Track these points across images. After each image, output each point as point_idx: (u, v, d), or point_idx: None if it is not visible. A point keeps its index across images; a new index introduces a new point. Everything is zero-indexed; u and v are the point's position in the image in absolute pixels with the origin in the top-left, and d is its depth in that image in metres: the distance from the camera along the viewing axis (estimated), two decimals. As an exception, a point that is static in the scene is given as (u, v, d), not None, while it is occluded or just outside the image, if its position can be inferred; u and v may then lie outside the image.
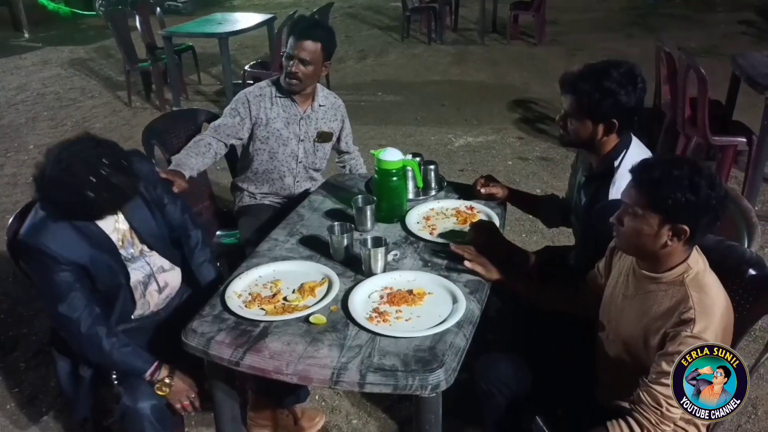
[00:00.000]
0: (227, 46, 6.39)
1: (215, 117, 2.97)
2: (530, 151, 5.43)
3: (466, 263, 2.05)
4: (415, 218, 2.44)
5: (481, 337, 1.92)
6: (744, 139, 4.13)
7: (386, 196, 2.41)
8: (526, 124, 6.07)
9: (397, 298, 1.93)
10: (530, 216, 3.03)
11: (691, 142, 4.27)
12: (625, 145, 2.08)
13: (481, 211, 2.49)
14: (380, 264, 2.06)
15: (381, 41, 9.69)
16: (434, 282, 2.02)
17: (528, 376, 2.02)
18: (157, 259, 2.19)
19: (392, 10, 11.38)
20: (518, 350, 2.14)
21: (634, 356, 1.74)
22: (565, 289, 2.09)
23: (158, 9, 7.50)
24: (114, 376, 2.11)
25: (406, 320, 1.85)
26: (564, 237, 3.61)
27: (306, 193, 2.91)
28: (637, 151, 2.06)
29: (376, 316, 1.85)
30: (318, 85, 2.92)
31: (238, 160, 3.11)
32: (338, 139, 3.06)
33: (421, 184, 2.61)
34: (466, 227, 2.34)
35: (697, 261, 1.66)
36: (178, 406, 2.04)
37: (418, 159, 2.63)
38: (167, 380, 2.01)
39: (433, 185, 2.69)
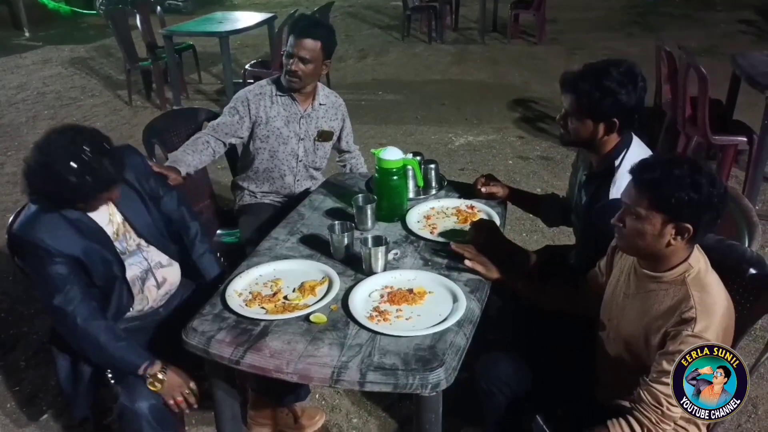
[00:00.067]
0: (228, 45, 6.39)
1: (216, 116, 2.97)
2: (531, 150, 5.43)
3: (467, 262, 2.05)
4: (415, 217, 2.44)
5: (482, 336, 1.91)
6: (744, 139, 4.13)
7: (387, 195, 2.41)
8: (527, 124, 6.07)
9: (397, 297, 1.93)
10: (531, 215, 3.03)
11: (692, 142, 4.27)
12: (625, 144, 2.08)
13: (482, 210, 2.49)
14: (381, 263, 2.05)
15: (381, 40, 9.70)
16: (435, 281, 2.02)
17: (528, 375, 2.02)
18: (154, 255, 2.20)
19: (392, 9, 11.38)
20: (519, 349, 2.13)
21: (634, 355, 1.74)
22: (565, 289, 2.09)
23: (158, 8, 7.51)
24: (110, 375, 2.11)
25: (407, 319, 1.85)
26: (564, 236, 3.61)
27: (306, 192, 2.91)
28: (638, 151, 2.06)
29: (376, 315, 1.85)
30: (319, 84, 2.91)
31: (238, 159, 3.11)
32: (339, 138, 3.06)
33: (421, 183, 2.61)
34: (467, 226, 2.34)
35: (699, 260, 1.66)
36: (171, 402, 2.01)
37: (418, 158, 2.63)
38: (159, 375, 1.98)
39: (433, 184, 2.69)
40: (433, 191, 2.67)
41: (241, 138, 2.89)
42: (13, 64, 8.68)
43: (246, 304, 1.93)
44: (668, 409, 1.55)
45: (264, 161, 2.91)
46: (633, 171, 1.65)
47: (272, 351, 1.73)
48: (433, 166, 2.69)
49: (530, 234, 4.04)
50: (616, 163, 2.05)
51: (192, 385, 2.03)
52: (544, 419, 1.93)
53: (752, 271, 1.78)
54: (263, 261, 2.16)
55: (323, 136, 2.95)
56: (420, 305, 1.91)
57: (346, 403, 2.74)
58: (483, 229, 2.25)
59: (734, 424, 2.58)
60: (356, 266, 2.10)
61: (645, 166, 1.63)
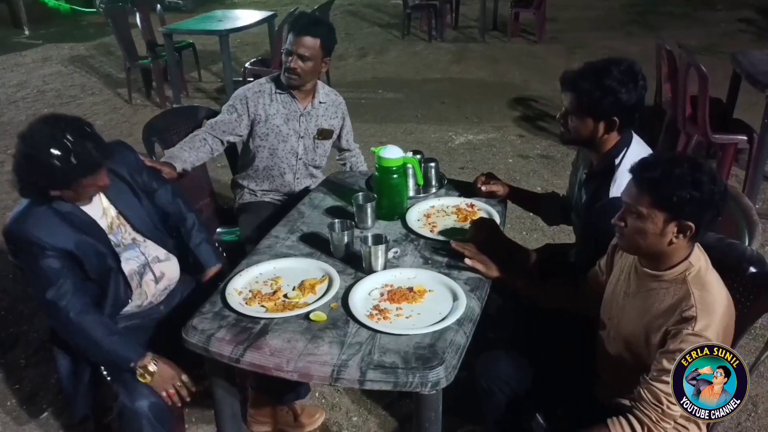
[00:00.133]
0: (228, 44, 6.39)
1: (215, 114, 2.96)
2: (531, 148, 5.43)
3: (467, 261, 2.05)
4: (415, 216, 2.44)
5: (482, 335, 1.92)
6: (745, 137, 4.12)
7: (387, 194, 2.41)
8: (527, 122, 6.07)
9: (397, 295, 1.93)
10: (531, 214, 3.03)
11: (692, 140, 4.27)
12: (626, 143, 2.08)
13: (482, 209, 2.49)
14: (381, 261, 2.05)
15: (381, 39, 9.69)
16: (435, 279, 2.02)
17: (528, 374, 2.02)
18: (152, 249, 2.20)
19: (393, 7, 11.37)
20: (519, 348, 2.14)
21: (635, 354, 1.74)
22: (565, 287, 2.09)
23: (158, 6, 7.51)
24: (105, 373, 2.11)
25: (407, 317, 1.85)
26: (564, 235, 3.61)
27: (306, 191, 2.91)
28: (638, 149, 2.06)
29: (376, 314, 1.85)
30: (319, 82, 2.91)
31: (238, 157, 3.11)
32: (339, 137, 3.06)
33: (421, 182, 2.61)
34: (467, 225, 2.34)
35: (699, 258, 1.66)
36: (164, 394, 1.99)
37: (418, 156, 2.63)
38: (150, 367, 1.98)
39: (433, 183, 2.69)
40: (433, 190, 2.67)
41: (240, 136, 2.89)
42: (12, 62, 8.68)
43: (246, 303, 1.92)
44: (668, 407, 1.55)
45: (264, 159, 2.91)
46: (634, 170, 1.65)
47: (272, 349, 1.73)
48: (433, 164, 2.69)
49: (530, 232, 4.04)
50: (617, 161, 2.05)
51: (184, 377, 2.02)
52: (544, 418, 1.93)
53: (752, 269, 1.78)
54: (263, 259, 2.16)
55: (323, 134, 2.94)
56: (420, 304, 1.91)
57: (346, 401, 2.74)
58: (483, 228, 2.25)
59: (734, 423, 2.58)
60: (356, 264, 2.10)
61: (646, 165, 1.63)
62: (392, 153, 2.36)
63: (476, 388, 2.06)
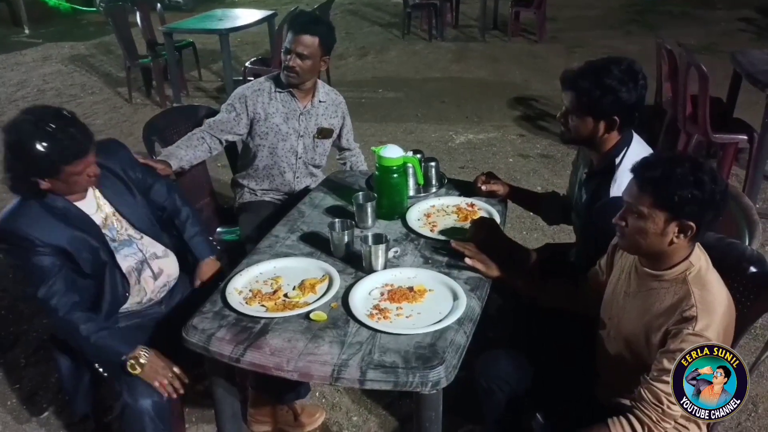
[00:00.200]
0: (228, 43, 6.39)
1: (215, 113, 2.97)
2: (531, 148, 5.43)
3: (467, 260, 2.05)
4: (415, 215, 2.44)
5: (482, 334, 1.92)
6: (745, 137, 4.12)
7: (387, 193, 2.41)
8: (527, 122, 6.07)
9: (397, 295, 1.93)
10: (531, 213, 3.03)
11: (692, 140, 4.27)
12: (626, 142, 2.08)
13: (482, 208, 2.49)
14: (381, 261, 2.05)
15: (381, 38, 9.69)
16: (435, 279, 2.02)
17: (528, 373, 2.02)
18: (149, 246, 2.21)
19: (393, 6, 11.37)
20: (519, 347, 2.13)
21: (635, 354, 1.74)
22: (565, 287, 2.09)
23: (158, 5, 7.50)
24: (101, 370, 2.12)
25: (407, 317, 1.85)
26: (565, 234, 3.61)
27: (306, 190, 2.91)
28: (639, 149, 2.06)
29: (376, 313, 1.85)
30: (319, 81, 2.91)
31: (238, 156, 3.11)
32: (339, 136, 3.06)
33: (421, 181, 2.61)
34: (467, 224, 2.34)
35: (700, 258, 1.66)
36: (156, 384, 1.98)
37: (418, 156, 2.63)
38: (141, 359, 1.97)
39: (433, 182, 2.69)
40: (434, 189, 2.67)
41: (240, 135, 2.89)
42: (13, 62, 8.67)
43: (246, 302, 1.92)
44: (669, 407, 1.55)
45: (264, 158, 2.91)
46: (635, 169, 1.65)
47: (272, 349, 1.73)
48: (433, 164, 2.69)
49: (530, 232, 4.04)
50: (617, 161, 2.05)
51: (176, 369, 2.01)
52: (544, 417, 1.93)
53: (752, 269, 1.78)
54: (263, 259, 2.16)
55: (323, 133, 2.94)
56: (420, 303, 1.91)
57: (346, 401, 2.74)
58: (483, 227, 2.25)
59: (734, 423, 2.58)
60: (356, 264, 2.10)
61: (647, 165, 1.63)
62: (392, 152, 2.36)
63: (476, 388, 2.06)
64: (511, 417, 2.04)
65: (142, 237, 2.19)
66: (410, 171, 2.57)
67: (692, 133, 4.26)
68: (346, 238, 2.14)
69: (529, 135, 5.71)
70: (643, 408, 1.59)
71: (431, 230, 2.34)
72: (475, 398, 2.09)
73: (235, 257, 2.38)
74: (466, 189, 2.65)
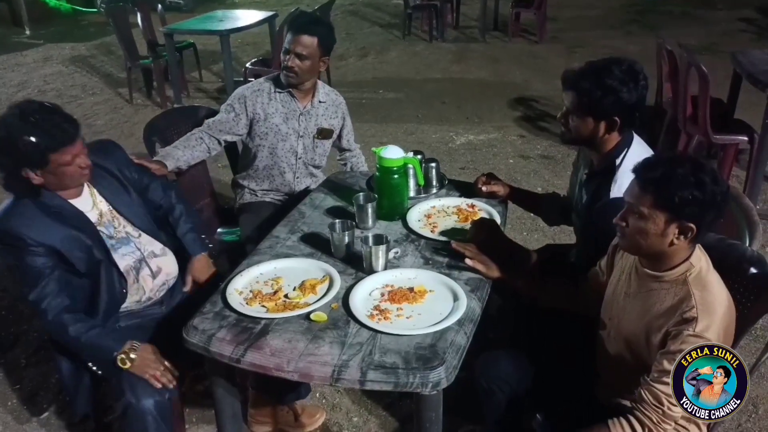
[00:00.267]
0: (228, 44, 6.38)
1: (216, 114, 2.97)
2: (531, 149, 5.43)
3: (467, 261, 2.05)
4: (416, 216, 2.44)
5: (482, 335, 1.92)
6: (745, 138, 4.12)
7: (387, 194, 2.41)
8: (527, 122, 6.07)
9: (398, 295, 1.93)
10: (531, 214, 3.03)
11: (693, 140, 4.26)
12: (626, 143, 2.08)
13: (483, 209, 2.49)
14: (381, 262, 2.06)
15: (382, 39, 9.69)
16: (435, 280, 2.02)
17: (528, 373, 2.02)
18: (147, 244, 2.21)
19: (393, 7, 11.38)
20: (519, 347, 2.14)
21: (635, 354, 1.74)
22: (566, 287, 2.09)
23: (159, 6, 7.50)
24: (95, 368, 2.12)
25: (407, 318, 1.85)
26: (565, 235, 3.61)
27: (307, 191, 2.91)
28: (639, 150, 2.06)
29: (377, 314, 1.85)
30: (319, 81, 2.92)
31: (239, 157, 3.11)
32: (339, 137, 3.06)
33: (422, 182, 2.61)
34: (467, 225, 2.34)
35: (700, 259, 1.66)
36: (147, 376, 1.98)
37: (419, 157, 2.63)
38: (132, 354, 1.98)
39: (434, 183, 2.69)
40: (434, 190, 2.67)
41: (239, 135, 2.89)
42: (13, 62, 8.68)
43: (246, 303, 1.93)
44: (669, 408, 1.55)
45: (264, 158, 2.91)
46: (636, 170, 1.65)
47: (273, 349, 1.73)
48: (433, 164, 2.69)
49: (531, 233, 4.04)
50: (617, 161, 2.05)
51: (167, 363, 2.02)
52: (544, 417, 1.93)
53: (753, 270, 1.78)
54: (264, 259, 2.16)
55: (322, 133, 2.95)
56: (420, 304, 1.91)
57: (346, 401, 2.75)
58: (484, 228, 2.25)
59: (734, 424, 2.58)
60: (357, 265, 2.10)
61: (648, 165, 1.63)
62: (393, 153, 2.36)
63: (476, 388, 2.06)
64: (512, 417, 2.04)
65: (140, 235, 2.20)
66: (411, 172, 2.57)
67: (693, 134, 4.26)
68: (346, 239, 2.15)
69: (530, 136, 5.71)
70: (643, 409, 1.59)
71: (432, 231, 2.34)
72: (476, 398, 2.09)
73: (235, 258, 2.39)
74: (467, 190, 2.65)
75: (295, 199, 2.83)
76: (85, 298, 2.08)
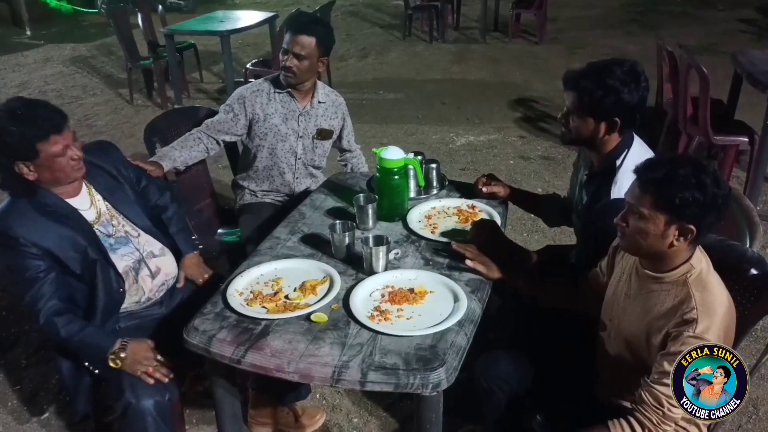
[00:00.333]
0: (229, 44, 6.39)
1: (216, 115, 2.97)
2: (532, 150, 5.43)
3: (468, 262, 2.05)
4: (416, 217, 2.44)
5: (482, 335, 1.92)
6: (746, 139, 4.12)
7: (388, 195, 2.41)
8: (528, 123, 6.06)
9: (398, 296, 1.93)
10: (531, 215, 3.03)
11: (693, 141, 4.26)
12: (627, 143, 2.08)
13: (483, 210, 2.49)
14: (381, 262, 2.06)
15: (382, 39, 9.70)
16: (436, 281, 2.02)
17: (528, 373, 2.02)
18: (146, 244, 2.22)
19: (394, 8, 11.39)
20: (519, 348, 2.14)
21: (635, 355, 1.74)
22: (566, 287, 2.09)
23: (160, 6, 7.51)
24: (92, 368, 2.12)
25: (408, 319, 1.85)
26: (565, 236, 3.61)
27: (307, 191, 2.91)
28: (640, 150, 2.06)
29: (377, 315, 1.85)
30: (319, 82, 2.92)
31: (239, 158, 3.11)
32: (340, 138, 3.06)
33: (422, 183, 2.61)
34: (468, 226, 2.34)
35: (700, 260, 1.66)
36: (139, 374, 1.98)
37: (419, 157, 2.63)
38: (121, 353, 1.98)
39: (434, 184, 2.69)
40: (434, 191, 2.68)
41: (238, 136, 2.89)
42: (14, 63, 8.69)
43: (247, 304, 1.93)
44: (669, 410, 1.55)
45: (263, 159, 2.91)
46: (638, 170, 1.64)
47: (273, 350, 1.73)
48: (434, 165, 2.69)
49: (531, 234, 4.04)
50: (618, 162, 2.05)
51: (159, 357, 2.02)
52: (544, 417, 1.93)
53: (753, 271, 1.78)
54: (264, 260, 2.16)
55: (322, 134, 2.95)
56: (421, 305, 1.91)
57: (346, 402, 2.75)
58: (484, 229, 2.25)
59: (735, 425, 2.58)
60: (357, 266, 2.10)
61: (649, 166, 1.63)
62: (393, 154, 2.36)
63: (476, 388, 2.06)
64: (512, 417, 2.04)
65: (139, 234, 2.21)
66: (411, 173, 2.57)
67: (693, 135, 4.26)
68: (346, 240, 2.15)
69: (530, 137, 5.71)
70: (643, 410, 1.59)
71: (432, 232, 2.34)
72: (476, 398, 2.09)
73: (235, 259, 2.39)
74: (467, 191, 2.65)
75: (295, 199, 2.84)
76: (82, 299, 2.08)
